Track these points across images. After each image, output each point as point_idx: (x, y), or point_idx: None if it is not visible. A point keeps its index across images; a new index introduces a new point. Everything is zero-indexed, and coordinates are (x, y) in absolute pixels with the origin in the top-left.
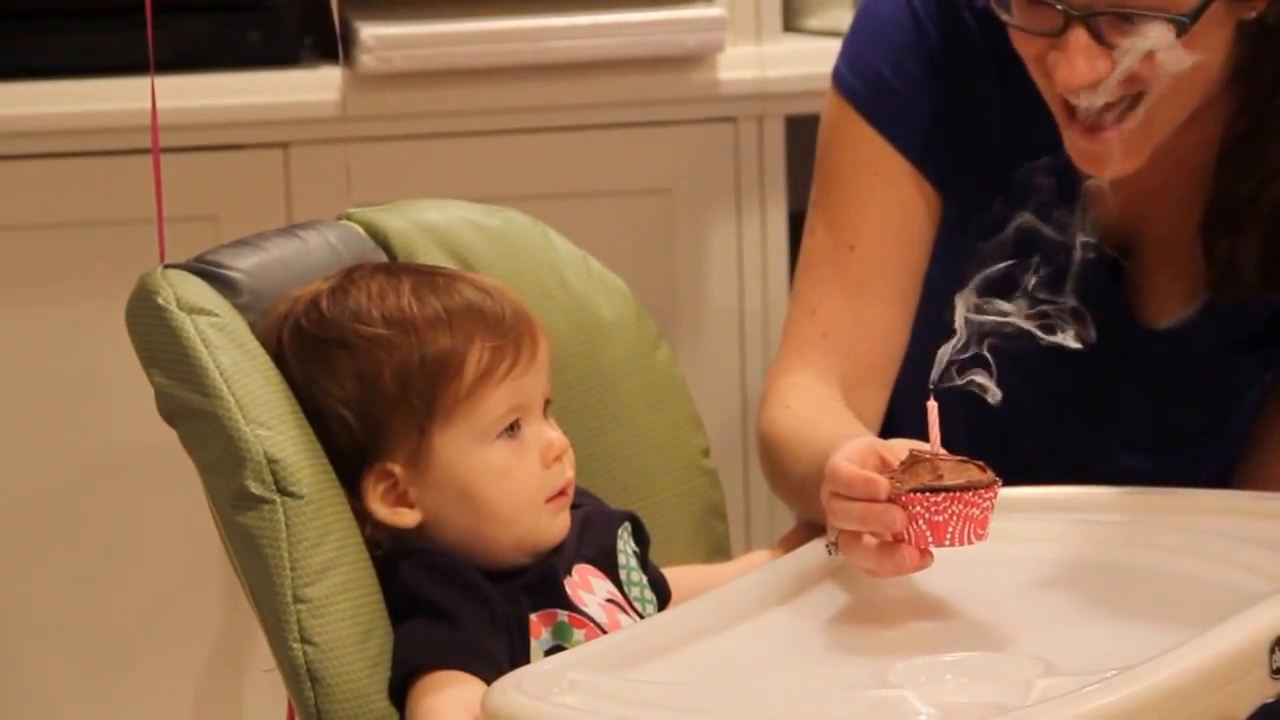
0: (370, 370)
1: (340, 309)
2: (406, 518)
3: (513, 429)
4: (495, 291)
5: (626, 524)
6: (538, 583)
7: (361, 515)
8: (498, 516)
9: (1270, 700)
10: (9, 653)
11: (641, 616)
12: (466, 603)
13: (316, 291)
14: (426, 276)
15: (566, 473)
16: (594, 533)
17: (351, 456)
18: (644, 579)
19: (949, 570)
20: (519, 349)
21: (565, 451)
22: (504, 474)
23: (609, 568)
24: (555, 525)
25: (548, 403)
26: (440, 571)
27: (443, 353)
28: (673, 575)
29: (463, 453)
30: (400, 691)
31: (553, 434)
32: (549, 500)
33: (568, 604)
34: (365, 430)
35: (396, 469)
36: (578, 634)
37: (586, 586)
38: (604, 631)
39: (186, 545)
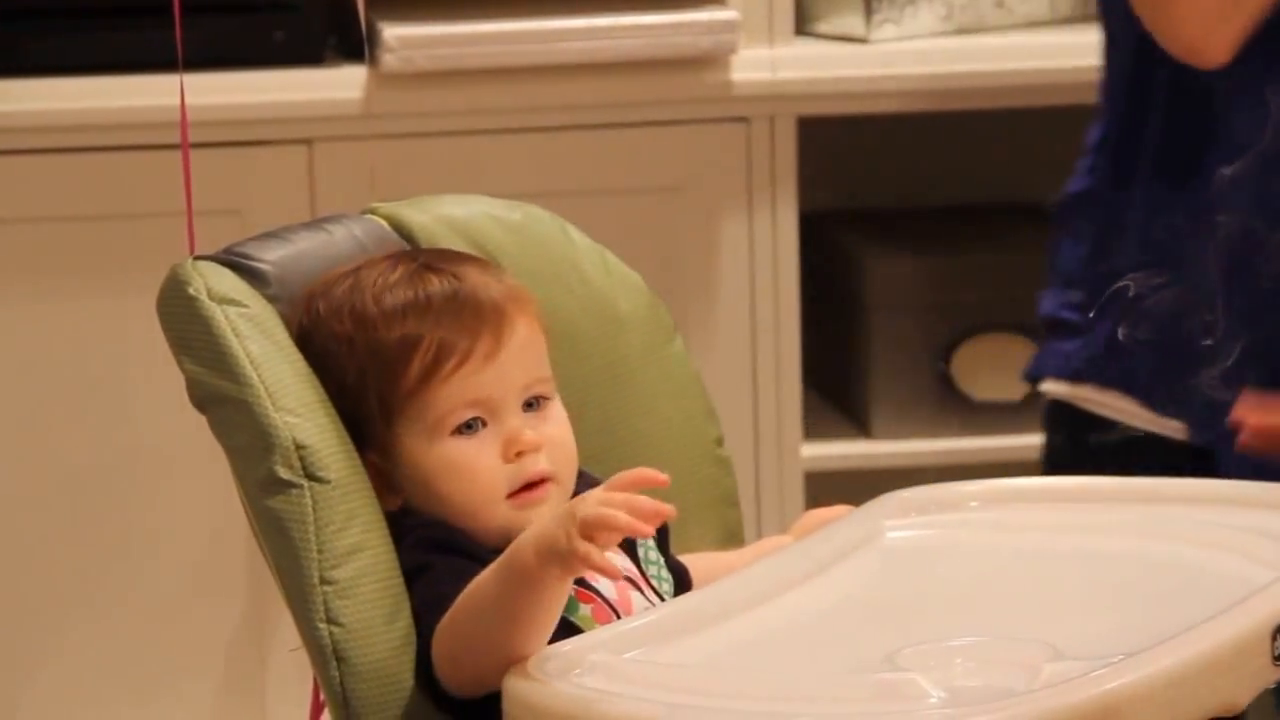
0: (337, 368)
1: (328, 306)
2: (390, 503)
3: (471, 426)
4: (476, 282)
5: None
6: None
7: None
8: (458, 511)
9: (1272, 685)
10: (39, 632)
11: (658, 593)
12: (467, 566)
13: (326, 280)
14: (422, 267)
15: (530, 468)
16: None
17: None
18: (661, 559)
19: (957, 558)
20: (474, 343)
21: (531, 447)
22: (456, 470)
23: (628, 545)
24: (518, 523)
25: (540, 398)
26: (437, 543)
27: (389, 348)
28: (689, 561)
29: (419, 447)
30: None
31: (518, 427)
32: (511, 495)
33: (577, 578)
34: (349, 423)
35: (375, 460)
36: (584, 608)
37: None
38: (612, 606)
39: (211, 530)
